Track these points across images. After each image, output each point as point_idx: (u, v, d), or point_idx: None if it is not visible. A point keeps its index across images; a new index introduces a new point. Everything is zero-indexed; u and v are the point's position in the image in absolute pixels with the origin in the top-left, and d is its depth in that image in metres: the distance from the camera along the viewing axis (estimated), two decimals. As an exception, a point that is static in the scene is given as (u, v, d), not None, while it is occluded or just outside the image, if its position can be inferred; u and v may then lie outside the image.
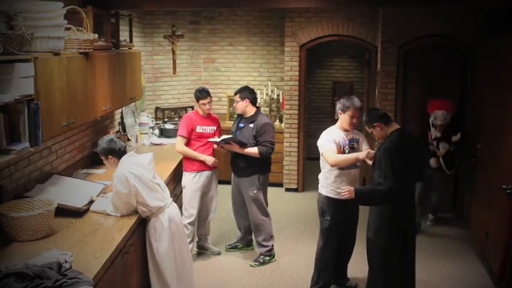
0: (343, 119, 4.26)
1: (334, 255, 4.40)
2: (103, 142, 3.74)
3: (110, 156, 3.71)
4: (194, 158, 4.97)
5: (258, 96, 7.43)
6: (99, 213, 3.67)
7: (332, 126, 4.37)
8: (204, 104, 4.98)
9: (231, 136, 4.98)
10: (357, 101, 4.25)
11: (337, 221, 4.29)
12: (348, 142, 4.25)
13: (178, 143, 5.02)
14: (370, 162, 4.14)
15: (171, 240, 3.75)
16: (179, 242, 3.87)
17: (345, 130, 4.27)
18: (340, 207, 4.25)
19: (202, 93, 4.99)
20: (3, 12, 2.93)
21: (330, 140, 4.21)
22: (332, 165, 4.15)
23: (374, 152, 4.05)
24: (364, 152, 4.18)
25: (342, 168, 4.19)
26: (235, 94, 5.06)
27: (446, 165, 5.75)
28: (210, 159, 4.98)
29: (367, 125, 4.06)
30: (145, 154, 3.85)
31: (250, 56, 8.02)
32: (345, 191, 3.86)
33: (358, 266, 4.90)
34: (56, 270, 2.55)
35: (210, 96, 5.03)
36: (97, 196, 3.88)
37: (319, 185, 4.38)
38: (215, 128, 5.10)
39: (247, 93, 5.01)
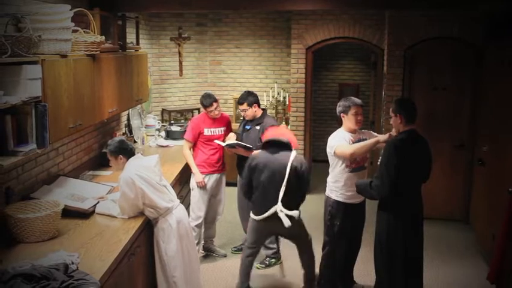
0: (348, 119, 4.21)
1: (341, 260, 4.37)
2: (114, 142, 3.77)
3: (120, 156, 3.72)
4: (189, 164, 5.01)
5: (264, 98, 7.48)
6: (105, 215, 3.69)
7: (338, 130, 4.31)
8: (212, 111, 4.96)
9: (236, 142, 4.93)
10: (355, 99, 4.23)
11: (346, 226, 4.24)
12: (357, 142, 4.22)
13: (184, 145, 5.09)
14: None
15: (179, 241, 3.76)
16: (187, 243, 3.87)
17: (352, 132, 4.23)
18: (350, 211, 4.22)
19: (206, 100, 4.94)
20: (11, 15, 2.96)
21: (340, 139, 4.17)
22: (351, 155, 4.05)
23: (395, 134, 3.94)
24: (386, 135, 4.08)
25: (352, 170, 4.16)
26: (241, 103, 4.98)
27: None
28: (198, 177, 4.95)
29: (393, 107, 3.95)
30: (151, 156, 3.86)
31: (257, 58, 8.03)
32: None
33: (365, 269, 4.89)
34: (63, 271, 2.57)
35: (216, 101, 4.97)
36: (102, 197, 3.90)
37: (328, 189, 4.32)
38: (224, 129, 5.09)
39: (252, 98, 4.96)
